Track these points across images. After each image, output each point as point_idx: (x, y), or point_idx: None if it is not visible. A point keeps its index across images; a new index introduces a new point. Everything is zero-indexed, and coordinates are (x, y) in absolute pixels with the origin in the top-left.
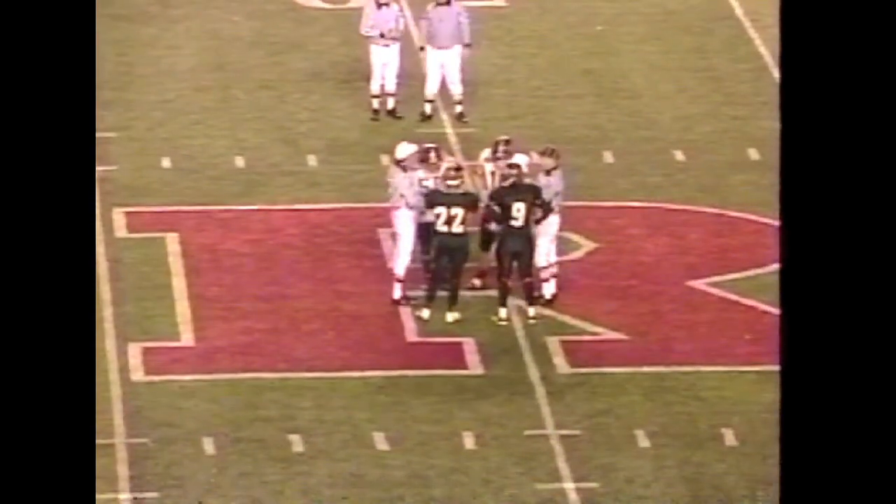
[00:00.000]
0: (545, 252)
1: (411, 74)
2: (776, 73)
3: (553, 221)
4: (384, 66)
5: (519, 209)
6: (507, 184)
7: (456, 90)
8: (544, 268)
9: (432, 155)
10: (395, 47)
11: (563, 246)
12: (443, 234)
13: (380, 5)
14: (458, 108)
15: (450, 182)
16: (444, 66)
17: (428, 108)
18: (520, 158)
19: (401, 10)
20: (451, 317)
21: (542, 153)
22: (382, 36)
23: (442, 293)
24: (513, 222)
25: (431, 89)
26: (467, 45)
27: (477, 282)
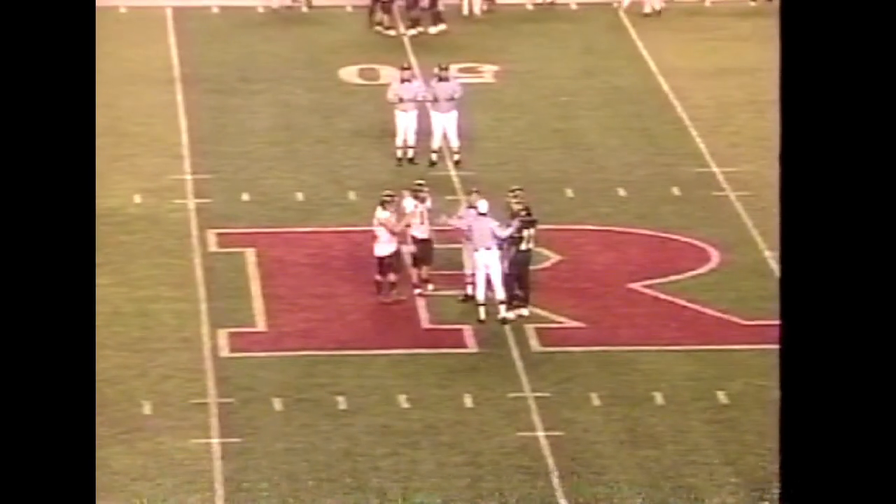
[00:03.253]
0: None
1: (427, 132)
2: (694, 132)
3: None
4: (406, 127)
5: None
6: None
7: (454, 144)
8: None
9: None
10: (414, 113)
11: (536, 258)
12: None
13: (403, 80)
14: (456, 157)
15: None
16: (444, 126)
17: (434, 157)
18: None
19: (421, 85)
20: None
21: (469, 193)
22: (401, 101)
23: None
24: (522, 245)
25: (435, 143)
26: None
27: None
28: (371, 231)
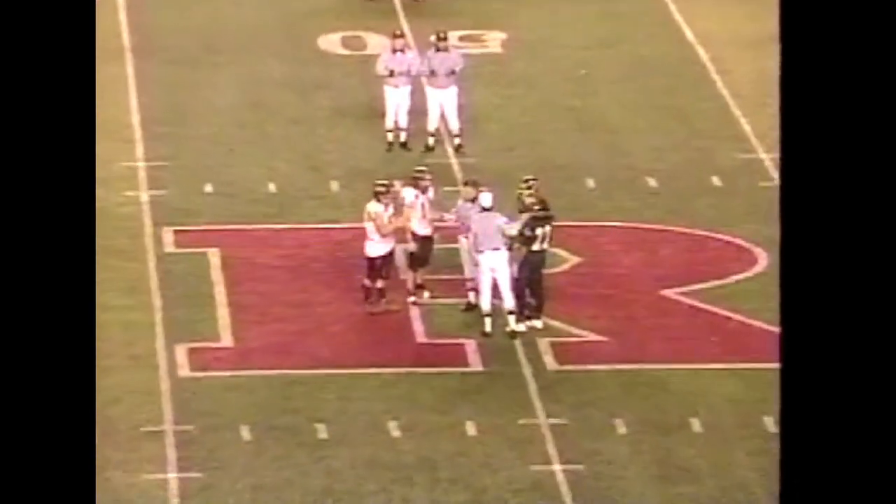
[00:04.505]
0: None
1: (422, 112)
2: (736, 111)
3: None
4: (397, 105)
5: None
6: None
7: (454, 125)
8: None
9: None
10: (407, 89)
11: (552, 260)
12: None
13: (395, 50)
14: (457, 141)
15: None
16: (442, 105)
17: (431, 141)
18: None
19: (415, 56)
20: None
21: (465, 183)
22: (392, 75)
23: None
24: (535, 246)
25: (432, 124)
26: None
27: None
28: (360, 228)
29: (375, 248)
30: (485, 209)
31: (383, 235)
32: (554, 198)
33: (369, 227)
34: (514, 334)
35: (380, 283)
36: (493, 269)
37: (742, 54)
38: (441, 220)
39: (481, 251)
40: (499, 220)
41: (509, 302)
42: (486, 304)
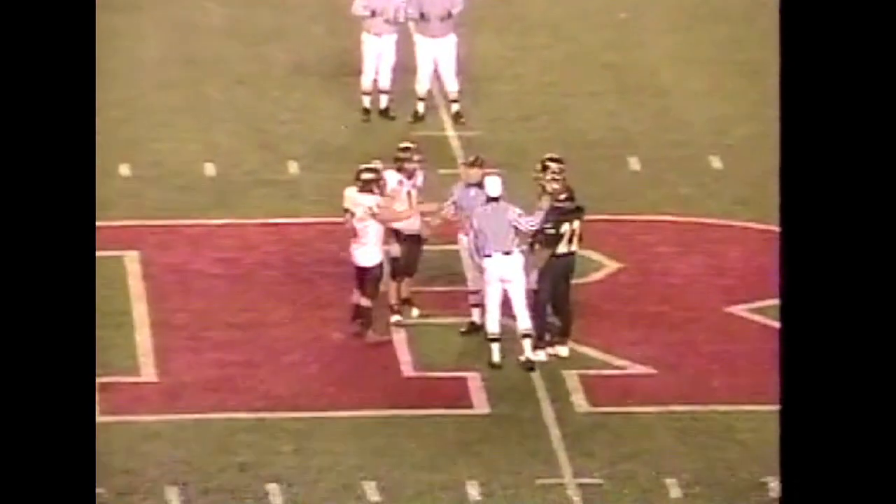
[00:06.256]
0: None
1: (409, 69)
2: None
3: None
4: (378, 58)
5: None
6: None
7: (451, 86)
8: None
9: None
10: (391, 38)
11: (582, 266)
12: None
13: None
14: (455, 107)
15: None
16: (436, 59)
17: (421, 107)
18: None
19: None
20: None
21: (468, 163)
22: (373, 16)
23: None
24: (559, 248)
25: (423, 85)
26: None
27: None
28: (326, 223)
29: (369, 254)
30: (492, 199)
31: (383, 232)
32: (585, 184)
33: (366, 227)
34: (530, 365)
35: (366, 302)
36: (504, 279)
37: None
38: (436, 214)
39: (488, 255)
40: (511, 212)
41: (525, 322)
42: (493, 325)
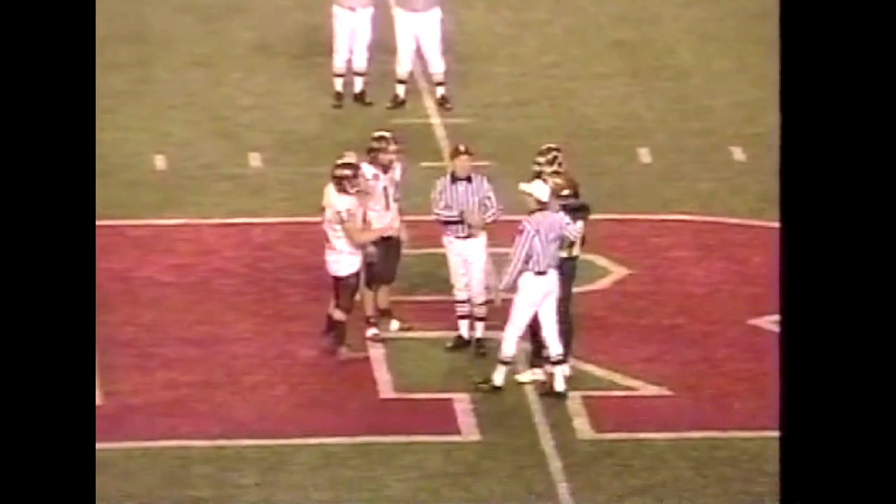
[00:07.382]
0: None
1: (388, 47)
2: None
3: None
4: (352, 35)
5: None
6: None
7: (436, 67)
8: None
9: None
10: (367, 12)
11: (586, 272)
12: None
13: None
14: (441, 91)
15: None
16: (419, 36)
17: (401, 91)
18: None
19: None
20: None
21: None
22: None
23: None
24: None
25: (404, 66)
26: None
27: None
28: (292, 223)
29: (346, 262)
30: (541, 204)
31: (358, 245)
32: (590, 178)
33: (338, 235)
34: (564, 396)
35: (339, 315)
36: (548, 294)
37: None
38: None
39: (541, 273)
40: (559, 217)
41: (556, 348)
42: (510, 347)
